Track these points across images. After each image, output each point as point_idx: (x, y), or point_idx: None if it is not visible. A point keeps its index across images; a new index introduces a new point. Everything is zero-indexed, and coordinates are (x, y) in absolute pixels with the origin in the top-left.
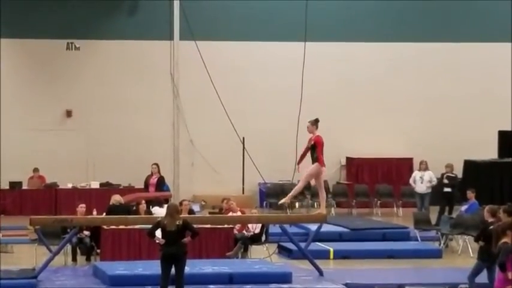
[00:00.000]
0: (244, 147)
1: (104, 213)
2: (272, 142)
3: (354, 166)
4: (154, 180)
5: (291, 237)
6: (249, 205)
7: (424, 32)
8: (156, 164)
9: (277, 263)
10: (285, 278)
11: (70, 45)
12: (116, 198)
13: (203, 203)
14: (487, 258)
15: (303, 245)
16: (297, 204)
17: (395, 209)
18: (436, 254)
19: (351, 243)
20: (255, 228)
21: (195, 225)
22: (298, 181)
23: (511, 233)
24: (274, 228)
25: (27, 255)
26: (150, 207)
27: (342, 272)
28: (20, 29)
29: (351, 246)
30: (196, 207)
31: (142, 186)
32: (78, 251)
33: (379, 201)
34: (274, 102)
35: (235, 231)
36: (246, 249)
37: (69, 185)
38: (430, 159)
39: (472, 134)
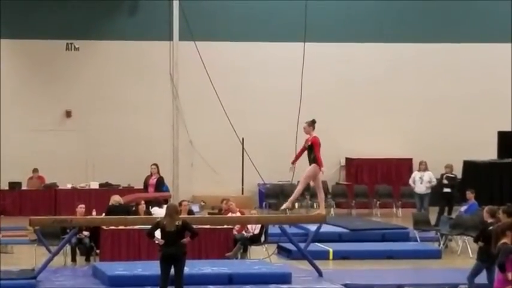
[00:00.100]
0: (243, 148)
1: (104, 214)
2: (271, 143)
3: (354, 167)
4: (153, 180)
5: (290, 238)
6: (249, 206)
7: (424, 33)
8: (156, 165)
9: (277, 264)
10: (285, 278)
11: (70, 45)
12: (116, 199)
13: (202, 203)
14: (486, 258)
15: (302, 245)
16: (296, 205)
17: (394, 209)
18: (436, 255)
19: (351, 244)
20: (254, 228)
21: (194, 226)
22: (298, 182)
23: (510, 233)
24: (273, 229)
25: (27, 256)
26: (150, 207)
27: (341, 272)
28: (20, 29)
29: (350, 246)
30: (195, 208)
31: (142, 187)
32: (78, 251)
33: (378, 202)
34: (273, 102)
35: (235, 232)
36: (245, 250)
37: (69, 186)
38: (430, 159)
39: (471, 135)
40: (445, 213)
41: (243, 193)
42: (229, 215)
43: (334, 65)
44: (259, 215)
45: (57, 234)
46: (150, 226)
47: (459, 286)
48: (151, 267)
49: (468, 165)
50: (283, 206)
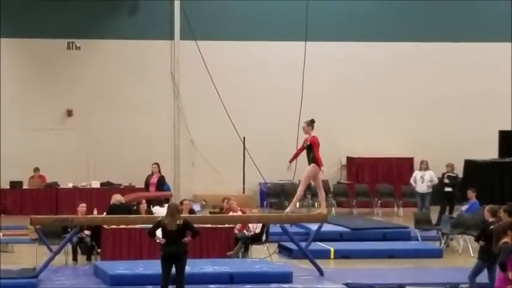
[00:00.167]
0: (244, 147)
1: (105, 213)
2: (273, 142)
3: (355, 166)
4: (154, 179)
5: (291, 237)
6: (250, 205)
7: (424, 32)
8: (157, 164)
9: (278, 263)
10: (286, 277)
11: (71, 44)
12: (117, 198)
13: (204, 202)
14: (487, 258)
15: (303, 244)
16: (297, 204)
17: (395, 208)
18: (437, 254)
19: (352, 243)
20: (255, 228)
21: (195, 225)
22: (299, 181)
23: (511, 232)
24: (274, 228)
25: (28, 255)
26: (151, 206)
27: (342, 271)
28: (21, 28)
29: (351, 246)
30: (196, 207)
31: (143, 186)
32: (79, 250)
33: (379, 201)
34: (274, 102)
35: (236, 231)
36: (246, 249)
37: (70, 185)
38: (431, 158)
39: (472, 134)
40: (446, 213)
41: (244, 192)
42: (231, 214)
43: (335, 64)
44: (261, 214)
45: (58, 234)
46: (151, 225)
47: (460, 285)
48: (153, 267)
49: (469, 165)
50: (287, 210)
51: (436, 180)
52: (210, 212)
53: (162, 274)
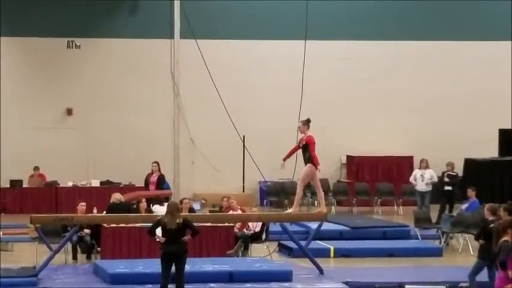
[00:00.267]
0: (244, 146)
1: (105, 212)
2: (272, 140)
3: (355, 164)
4: (154, 178)
5: (291, 236)
6: (250, 203)
7: (424, 31)
8: (157, 162)
9: (278, 262)
10: (286, 276)
11: (70, 43)
12: (117, 197)
13: (203, 201)
14: (487, 256)
15: (303, 243)
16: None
17: (395, 207)
18: (437, 253)
19: (352, 242)
20: (255, 226)
21: (195, 224)
22: (298, 179)
23: (511, 231)
24: (274, 227)
25: (28, 254)
26: (151, 205)
27: (342, 270)
28: (21, 27)
29: (351, 244)
30: (196, 206)
31: (143, 185)
32: (79, 249)
33: (379, 200)
34: (274, 100)
35: (236, 230)
36: (246, 248)
37: (70, 183)
38: (431, 157)
39: (472, 132)
40: (446, 211)
41: (244, 191)
42: (230, 212)
43: (335, 62)
44: (260, 212)
45: (58, 232)
46: (151, 224)
47: (460, 284)
48: (152, 265)
49: (469, 163)
50: (289, 211)
51: (436, 179)
52: (210, 211)
53: (161, 273)
